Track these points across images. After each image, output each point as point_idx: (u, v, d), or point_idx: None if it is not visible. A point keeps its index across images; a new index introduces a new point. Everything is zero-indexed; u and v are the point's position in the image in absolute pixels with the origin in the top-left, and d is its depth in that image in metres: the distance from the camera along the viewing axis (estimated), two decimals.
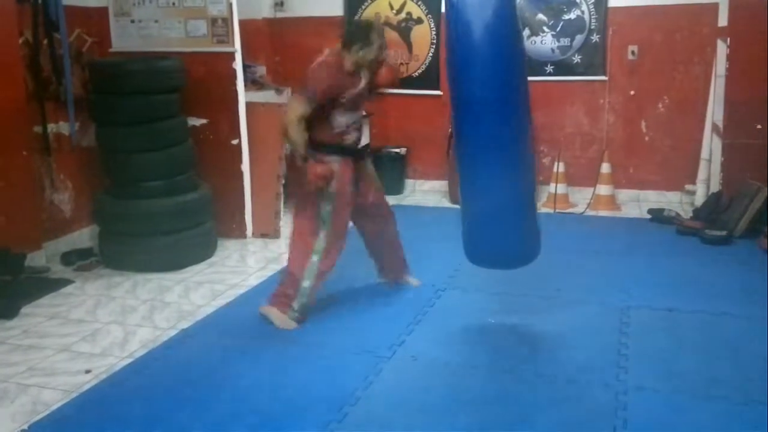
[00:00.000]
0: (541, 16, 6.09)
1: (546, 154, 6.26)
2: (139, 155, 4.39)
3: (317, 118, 3.43)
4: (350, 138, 3.56)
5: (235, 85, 4.87)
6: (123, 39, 5.02)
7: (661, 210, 5.44)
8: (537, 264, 4.37)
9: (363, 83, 3.52)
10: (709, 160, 5.54)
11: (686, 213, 5.45)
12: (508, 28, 3.02)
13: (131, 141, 4.38)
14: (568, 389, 2.89)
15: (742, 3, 4.98)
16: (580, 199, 5.98)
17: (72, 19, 4.70)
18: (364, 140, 6.34)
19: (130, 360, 3.20)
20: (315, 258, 3.51)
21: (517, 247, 3.32)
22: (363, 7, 6.56)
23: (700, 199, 5.56)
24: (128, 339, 3.43)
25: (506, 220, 3.20)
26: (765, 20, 4.89)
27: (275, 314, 3.53)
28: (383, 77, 3.66)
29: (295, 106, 3.39)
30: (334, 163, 3.47)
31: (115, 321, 3.66)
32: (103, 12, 5.00)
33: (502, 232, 3.23)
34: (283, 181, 5.25)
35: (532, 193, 3.29)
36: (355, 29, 3.52)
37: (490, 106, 3.04)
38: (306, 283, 3.50)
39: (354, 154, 3.59)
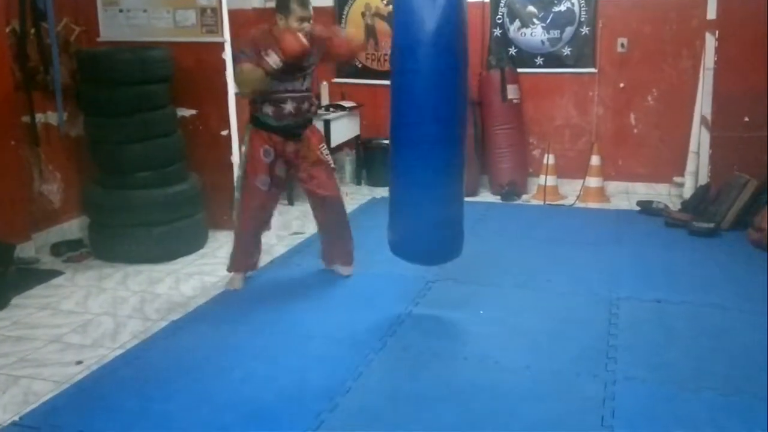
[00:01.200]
0: (531, 8, 6.09)
1: (536, 146, 6.29)
2: (128, 146, 4.37)
3: None
4: (275, 111, 3.64)
5: (224, 75, 4.83)
6: (111, 28, 4.97)
7: (650, 202, 5.48)
8: (527, 255, 4.44)
9: (293, 37, 3.53)
10: (698, 153, 5.57)
11: (675, 205, 5.49)
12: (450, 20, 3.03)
13: (120, 131, 4.35)
14: (556, 380, 2.92)
15: None
16: (570, 191, 6.01)
17: (60, 8, 4.65)
18: (354, 133, 6.36)
19: (121, 351, 3.20)
20: (234, 217, 3.86)
21: (437, 245, 3.37)
22: None
23: (688, 191, 5.60)
24: (119, 330, 3.42)
25: (430, 217, 3.24)
26: (753, 14, 4.93)
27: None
28: (335, 47, 3.80)
29: (239, 67, 3.60)
30: (249, 131, 3.76)
31: (106, 312, 3.65)
32: (91, 1, 4.94)
33: (424, 229, 3.28)
34: None
35: (459, 193, 3.34)
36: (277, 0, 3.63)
37: (423, 100, 3.09)
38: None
39: (275, 130, 3.70)
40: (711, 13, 5.33)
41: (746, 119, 5.05)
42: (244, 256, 3.95)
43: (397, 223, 3.40)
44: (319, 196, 3.87)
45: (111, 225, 4.41)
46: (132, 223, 4.35)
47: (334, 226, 4.01)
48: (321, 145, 3.87)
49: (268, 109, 3.66)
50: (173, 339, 3.33)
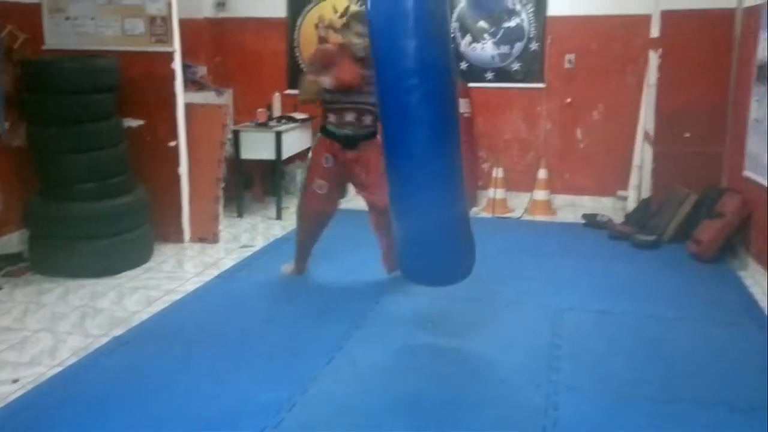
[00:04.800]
0: (482, 24, 6.19)
1: (485, 159, 6.37)
2: (72, 156, 4.27)
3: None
4: (337, 119, 3.89)
5: (173, 85, 4.78)
6: (57, 36, 4.87)
7: (595, 215, 5.60)
8: (476, 267, 4.46)
9: (350, 68, 3.79)
10: (641, 167, 5.73)
11: (619, 218, 5.62)
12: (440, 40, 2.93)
13: (63, 141, 4.26)
14: (501, 390, 2.95)
15: (672, 16, 5.18)
16: (518, 204, 6.11)
17: (3, 15, 4.53)
18: (306, 144, 6.34)
19: (59, 369, 3.11)
20: (296, 217, 4.22)
21: (450, 265, 3.24)
22: (306, 9, 6.55)
23: (631, 204, 5.74)
24: (58, 347, 3.33)
25: (440, 238, 3.09)
26: (694, 32, 5.11)
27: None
28: (341, 72, 3.80)
29: (304, 77, 4.00)
30: (317, 139, 4.04)
31: (45, 328, 3.55)
32: (36, 8, 4.85)
33: (435, 251, 3.12)
34: (223, 185, 5.19)
35: (464, 207, 3.24)
36: (345, 15, 3.88)
37: (422, 118, 2.91)
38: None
39: (337, 138, 3.90)
40: (654, 32, 5.51)
41: (687, 135, 5.21)
42: (303, 253, 4.24)
43: (406, 249, 3.20)
44: (370, 203, 4.02)
45: (53, 238, 4.30)
46: (75, 235, 4.25)
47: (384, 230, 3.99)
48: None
49: (332, 118, 3.91)
50: (115, 355, 3.25)
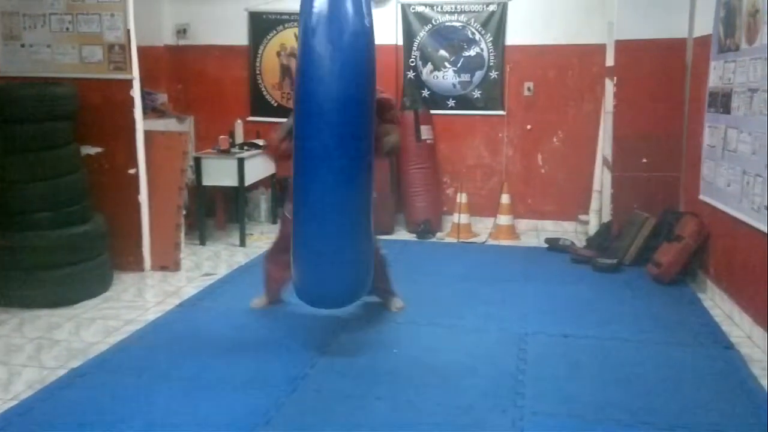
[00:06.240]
0: (443, 52, 6.29)
1: (449, 185, 6.42)
2: (28, 185, 4.19)
3: None
4: None
5: (132, 112, 4.73)
6: (12, 63, 4.79)
7: (557, 239, 5.67)
8: (441, 293, 4.48)
9: None
10: (600, 192, 5.84)
11: (581, 241, 5.70)
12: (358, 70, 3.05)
13: (19, 170, 4.17)
14: (467, 416, 2.93)
15: (626, 45, 5.33)
16: (482, 229, 6.15)
17: None
18: (269, 171, 6.30)
19: (13, 402, 3.00)
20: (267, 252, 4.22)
21: (337, 287, 3.35)
22: (268, 37, 6.57)
23: (593, 228, 5.84)
24: (12, 380, 3.21)
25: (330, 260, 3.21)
26: (648, 61, 5.25)
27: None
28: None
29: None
30: None
31: None
32: None
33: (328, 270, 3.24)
34: (184, 212, 5.12)
35: (366, 239, 3.31)
36: None
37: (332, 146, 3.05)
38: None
39: None
40: (609, 60, 5.65)
41: (644, 160, 5.34)
42: (270, 281, 4.16)
43: (302, 266, 3.31)
44: None
45: (8, 268, 4.17)
46: (30, 265, 4.14)
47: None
48: None
49: None
50: (71, 388, 3.15)
